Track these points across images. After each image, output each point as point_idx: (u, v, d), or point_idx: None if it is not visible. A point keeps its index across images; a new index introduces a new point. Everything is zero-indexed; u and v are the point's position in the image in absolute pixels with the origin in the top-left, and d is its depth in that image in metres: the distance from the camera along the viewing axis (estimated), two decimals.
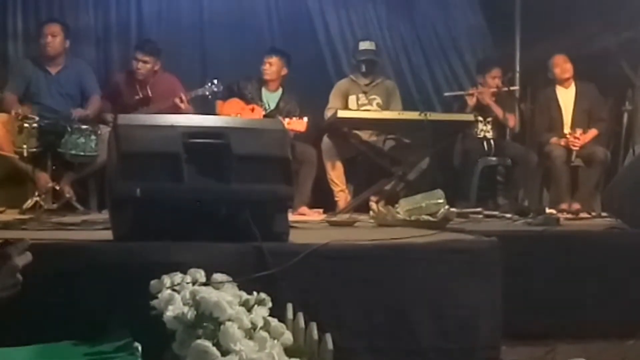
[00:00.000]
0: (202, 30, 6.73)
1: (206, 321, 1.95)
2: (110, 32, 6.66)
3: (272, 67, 6.24)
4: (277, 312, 2.16)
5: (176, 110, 5.69)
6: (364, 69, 6.42)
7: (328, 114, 6.24)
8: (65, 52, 5.87)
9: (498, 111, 6.44)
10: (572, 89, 6.52)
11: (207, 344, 1.85)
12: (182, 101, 5.82)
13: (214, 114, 5.99)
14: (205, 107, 6.03)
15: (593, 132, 6.36)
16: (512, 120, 6.58)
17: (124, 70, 6.28)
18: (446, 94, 6.53)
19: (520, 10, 7.36)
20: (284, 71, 6.26)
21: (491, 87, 6.51)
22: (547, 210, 5.26)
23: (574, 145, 6.23)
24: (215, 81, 5.95)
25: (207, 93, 5.98)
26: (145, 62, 5.98)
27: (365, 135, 6.28)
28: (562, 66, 6.47)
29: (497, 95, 6.51)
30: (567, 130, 6.39)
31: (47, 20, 5.99)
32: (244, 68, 6.38)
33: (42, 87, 5.76)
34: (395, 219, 4.13)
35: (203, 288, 2.12)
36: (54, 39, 5.74)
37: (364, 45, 6.45)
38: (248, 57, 6.42)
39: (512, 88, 6.68)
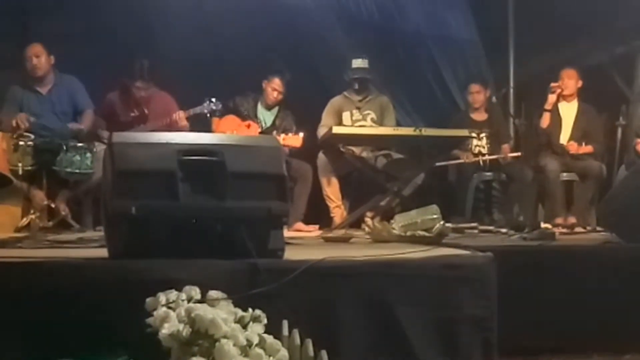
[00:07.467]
0: (200, 47, 6.70)
1: (201, 338, 1.95)
2: (108, 51, 6.61)
3: (278, 92, 6.26)
4: (272, 329, 2.15)
5: (173, 128, 5.69)
6: (356, 86, 6.42)
7: (321, 131, 6.22)
8: (52, 70, 5.85)
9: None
10: (574, 104, 6.51)
11: None
12: (180, 118, 5.83)
13: (210, 130, 6.00)
14: (201, 124, 6.02)
15: (588, 148, 6.37)
16: (507, 150, 6.64)
17: (118, 87, 6.24)
18: (437, 164, 6.40)
19: (514, 27, 7.41)
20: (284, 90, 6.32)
21: (476, 102, 6.59)
22: (543, 225, 5.28)
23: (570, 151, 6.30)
24: (214, 99, 5.96)
25: (206, 111, 5.97)
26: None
27: (359, 151, 6.28)
28: (566, 81, 6.45)
29: (489, 111, 6.59)
30: (563, 141, 6.41)
31: (27, 42, 5.88)
32: (241, 85, 6.38)
33: (35, 109, 5.72)
34: (390, 235, 4.14)
35: (198, 305, 2.12)
36: (39, 59, 5.72)
37: (357, 63, 6.44)
38: (245, 74, 6.41)
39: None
